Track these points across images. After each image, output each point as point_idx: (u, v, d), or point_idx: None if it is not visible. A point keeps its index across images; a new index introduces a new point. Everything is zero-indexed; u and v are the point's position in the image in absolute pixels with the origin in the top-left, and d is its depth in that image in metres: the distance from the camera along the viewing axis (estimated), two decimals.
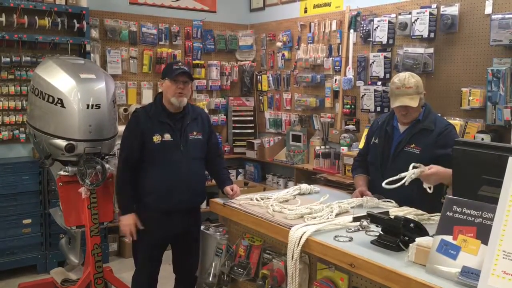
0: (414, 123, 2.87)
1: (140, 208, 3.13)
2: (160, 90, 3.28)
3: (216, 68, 5.99)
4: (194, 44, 5.83)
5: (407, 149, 2.83)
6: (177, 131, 3.11)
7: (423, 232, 2.02)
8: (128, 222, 3.09)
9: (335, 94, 5.04)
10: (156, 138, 3.06)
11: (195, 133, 3.18)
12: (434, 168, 2.53)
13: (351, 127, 4.85)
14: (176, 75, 3.07)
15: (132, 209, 3.12)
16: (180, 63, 3.26)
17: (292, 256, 2.22)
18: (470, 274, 1.62)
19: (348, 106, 4.89)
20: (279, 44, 5.71)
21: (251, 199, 2.84)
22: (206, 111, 5.81)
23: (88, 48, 4.83)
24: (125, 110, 5.33)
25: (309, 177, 4.86)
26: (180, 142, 3.11)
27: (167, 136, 3.08)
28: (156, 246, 3.20)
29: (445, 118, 3.86)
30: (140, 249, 3.20)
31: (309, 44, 5.29)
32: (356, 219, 2.32)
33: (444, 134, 2.80)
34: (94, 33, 5.12)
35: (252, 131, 6.19)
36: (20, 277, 4.44)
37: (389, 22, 4.38)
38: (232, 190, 3.06)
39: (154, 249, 3.20)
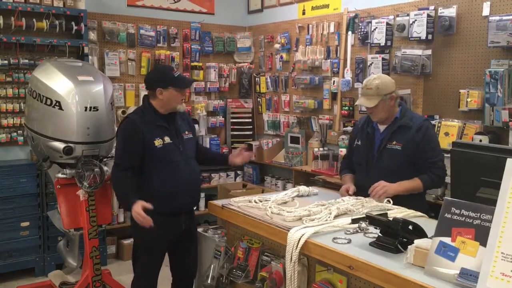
0: (393, 121, 3.00)
1: (144, 212, 3.08)
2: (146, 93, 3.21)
3: (214, 70, 5.98)
4: (192, 46, 5.82)
5: (389, 146, 2.96)
6: (173, 133, 3.12)
7: (422, 234, 2.02)
8: (137, 210, 2.88)
9: (333, 95, 5.04)
10: (158, 142, 3.03)
11: (186, 132, 3.22)
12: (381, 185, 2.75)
13: (350, 128, 4.84)
14: (187, 85, 3.15)
15: (136, 197, 2.92)
16: (175, 69, 3.25)
17: (291, 258, 2.21)
18: (469, 276, 1.62)
19: (346, 107, 4.89)
20: (277, 46, 5.71)
21: (250, 201, 2.82)
22: (205, 113, 5.84)
23: (86, 50, 4.83)
24: (123, 112, 5.31)
25: (308, 179, 4.85)
26: (179, 143, 3.12)
27: (167, 139, 3.08)
28: (160, 249, 3.17)
29: (443, 119, 3.91)
30: (143, 253, 3.14)
31: (307, 46, 5.29)
32: (354, 221, 2.32)
33: (421, 131, 2.92)
34: (92, 36, 5.11)
35: (251, 133, 6.19)
36: (18, 280, 4.43)
37: (387, 24, 4.38)
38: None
39: (157, 252, 3.16)
